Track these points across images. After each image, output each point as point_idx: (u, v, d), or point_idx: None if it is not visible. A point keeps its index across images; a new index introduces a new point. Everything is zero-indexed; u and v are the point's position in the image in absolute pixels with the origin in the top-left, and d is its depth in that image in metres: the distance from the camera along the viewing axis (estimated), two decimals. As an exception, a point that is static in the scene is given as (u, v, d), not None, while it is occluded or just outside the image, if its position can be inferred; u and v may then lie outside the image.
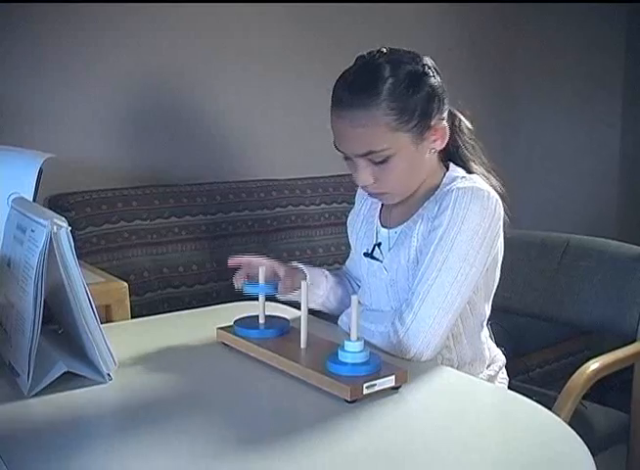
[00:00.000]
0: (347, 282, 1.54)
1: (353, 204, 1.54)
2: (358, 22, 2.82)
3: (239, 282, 1.34)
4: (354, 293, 1.46)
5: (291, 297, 1.36)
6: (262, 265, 1.28)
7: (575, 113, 3.19)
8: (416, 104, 1.26)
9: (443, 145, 1.33)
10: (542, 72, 3.29)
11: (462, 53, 3.06)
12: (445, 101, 1.32)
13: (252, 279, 1.31)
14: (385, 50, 1.29)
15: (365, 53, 1.31)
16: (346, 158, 1.31)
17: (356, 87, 1.25)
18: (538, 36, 3.28)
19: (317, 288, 1.45)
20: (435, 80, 1.29)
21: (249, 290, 1.26)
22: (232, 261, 1.37)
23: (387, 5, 2.87)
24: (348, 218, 1.54)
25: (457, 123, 1.38)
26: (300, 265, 1.43)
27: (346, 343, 1.06)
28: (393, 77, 1.25)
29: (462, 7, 3.11)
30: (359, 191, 1.51)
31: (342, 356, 1.05)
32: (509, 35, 3.31)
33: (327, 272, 1.50)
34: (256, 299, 1.25)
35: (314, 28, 2.74)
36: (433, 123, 1.29)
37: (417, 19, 2.96)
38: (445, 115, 1.32)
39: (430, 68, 1.30)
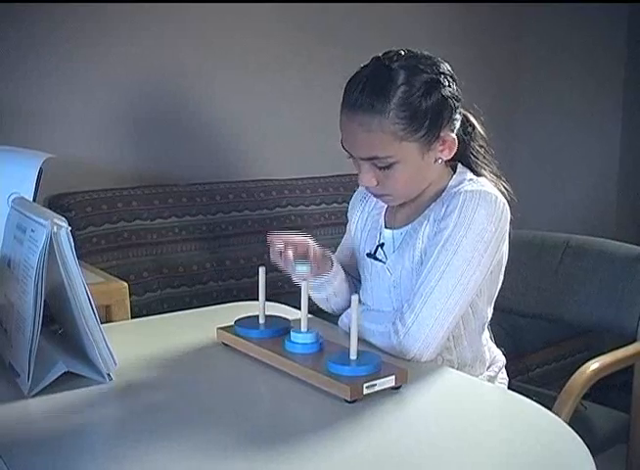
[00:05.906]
0: (351, 279, 1.49)
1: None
2: (358, 23, 2.82)
3: (287, 261, 1.23)
4: (355, 292, 1.45)
5: (311, 280, 1.28)
6: (305, 246, 1.25)
7: (576, 113, 3.19)
8: (426, 114, 1.22)
9: (451, 155, 1.30)
10: (542, 73, 3.29)
11: (461, 55, 3.06)
12: (457, 111, 1.28)
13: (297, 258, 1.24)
14: (403, 53, 1.25)
15: (382, 54, 1.27)
16: (351, 156, 1.29)
17: (367, 90, 1.21)
18: (539, 37, 3.28)
19: (334, 279, 1.39)
20: (449, 90, 1.25)
21: (300, 270, 1.20)
22: (274, 240, 1.27)
23: (384, 6, 2.86)
24: (349, 212, 1.50)
25: (470, 130, 1.34)
26: (330, 253, 1.36)
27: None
28: (406, 85, 1.21)
29: (460, 8, 3.11)
30: (358, 192, 1.49)
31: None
32: (509, 36, 3.31)
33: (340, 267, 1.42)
34: (257, 299, 1.25)
35: (316, 30, 2.73)
36: (442, 134, 1.26)
37: (415, 19, 2.95)
38: (457, 125, 1.29)
39: (446, 76, 1.25)
